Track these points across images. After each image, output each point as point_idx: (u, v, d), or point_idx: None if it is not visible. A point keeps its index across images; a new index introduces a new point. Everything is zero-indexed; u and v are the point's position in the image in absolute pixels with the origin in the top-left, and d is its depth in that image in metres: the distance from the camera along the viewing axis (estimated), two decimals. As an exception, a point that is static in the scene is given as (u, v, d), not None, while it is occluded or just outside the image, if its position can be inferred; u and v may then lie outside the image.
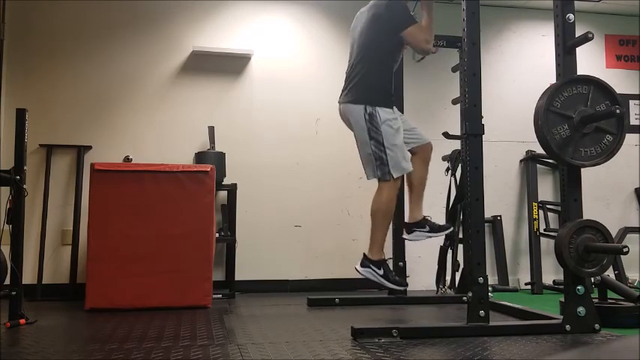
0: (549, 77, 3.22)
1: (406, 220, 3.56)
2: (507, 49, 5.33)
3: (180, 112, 4.67)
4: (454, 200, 4.27)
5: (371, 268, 3.27)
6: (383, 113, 3.23)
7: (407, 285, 3.51)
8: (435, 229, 3.47)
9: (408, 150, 3.41)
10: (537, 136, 2.90)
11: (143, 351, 2.46)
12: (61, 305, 3.95)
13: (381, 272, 3.26)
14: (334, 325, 3.12)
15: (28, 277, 4.17)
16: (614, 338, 2.72)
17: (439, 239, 4.34)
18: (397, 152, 3.24)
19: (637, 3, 5.23)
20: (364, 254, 3.32)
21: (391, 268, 3.44)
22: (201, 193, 3.84)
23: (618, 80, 5.29)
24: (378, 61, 3.31)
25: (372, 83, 3.29)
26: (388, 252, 4.22)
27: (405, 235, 3.53)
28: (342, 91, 3.41)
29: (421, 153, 3.47)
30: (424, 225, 3.45)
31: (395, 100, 3.37)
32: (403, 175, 3.37)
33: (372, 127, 3.23)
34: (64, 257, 4.37)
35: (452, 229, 3.55)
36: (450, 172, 4.35)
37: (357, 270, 3.30)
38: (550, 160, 5.05)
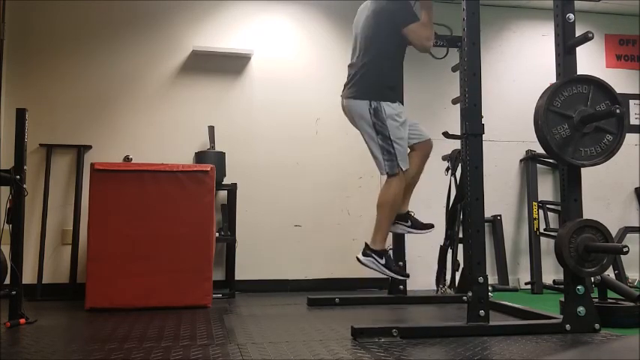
0: (549, 77, 3.21)
1: None
2: (507, 49, 5.33)
3: (181, 111, 4.67)
4: (454, 200, 4.26)
5: (373, 257, 3.27)
6: (388, 108, 3.24)
7: (408, 276, 3.49)
8: (418, 226, 3.49)
9: (409, 146, 3.43)
10: (537, 136, 2.90)
11: (143, 351, 2.46)
12: (61, 305, 3.95)
13: (383, 261, 3.27)
14: (334, 324, 3.11)
15: (28, 276, 4.17)
16: (614, 338, 2.71)
17: (439, 239, 4.35)
18: (404, 145, 3.28)
19: (637, 3, 5.23)
20: (366, 244, 3.32)
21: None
22: (201, 193, 3.84)
23: (618, 80, 5.29)
24: (381, 56, 3.30)
25: (376, 78, 3.29)
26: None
27: None
28: (345, 85, 3.41)
29: (421, 149, 3.49)
30: (407, 219, 3.47)
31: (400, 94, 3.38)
32: None
33: (378, 121, 3.24)
34: (64, 257, 4.37)
35: (433, 228, 3.53)
36: (449, 171, 4.35)
37: (358, 259, 3.30)
38: (550, 160, 5.05)
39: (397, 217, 3.43)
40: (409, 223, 3.48)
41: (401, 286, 4.01)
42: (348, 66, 3.45)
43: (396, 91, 3.34)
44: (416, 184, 3.52)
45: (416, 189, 3.51)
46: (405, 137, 3.29)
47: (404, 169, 3.26)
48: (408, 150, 3.41)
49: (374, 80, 3.29)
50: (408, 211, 3.48)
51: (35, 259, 4.27)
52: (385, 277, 4.14)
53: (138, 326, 3.06)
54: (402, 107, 3.38)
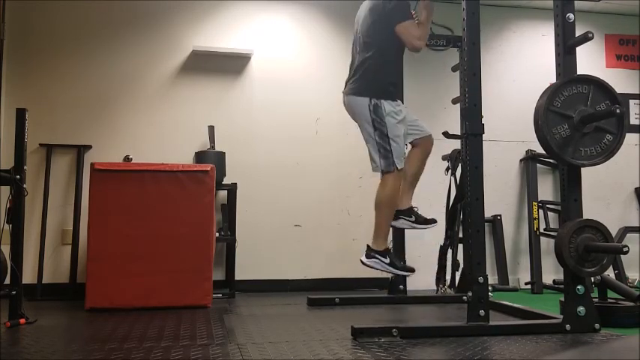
0: (549, 77, 3.21)
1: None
2: (507, 49, 5.33)
3: (181, 111, 4.67)
4: (454, 200, 4.26)
5: (377, 257, 3.28)
6: (387, 105, 3.25)
7: (414, 270, 3.42)
8: (421, 221, 3.50)
9: (410, 142, 3.46)
10: (537, 136, 2.90)
11: (143, 351, 2.46)
12: (61, 305, 3.95)
13: (388, 260, 3.28)
14: (334, 324, 3.11)
15: (28, 276, 4.17)
16: (614, 338, 2.72)
17: (439, 239, 4.35)
18: (400, 143, 3.28)
19: (637, 3, 5.23)
20: (368, 245, 3.32)
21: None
22: (201, 193, 3.84)
23: (618, 80, 5.29)
24: (381, 53, 3.31)
25: (377, 75, 3.30)
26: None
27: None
28: (347, 81, 3.42)
29: (422, 145, 3.51)
30: (410, 214, 3.49)
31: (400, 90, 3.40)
32: None
33: (377, 118, 3.25)
34: (64, 257, 4.37)
35: (436, 223, 3.55)
36: (449, 171, 4.35)
37: (362, 262, 3.30)
38: (550, 160, 5.05)
39: (401, 212, 3.45)
40: (413, 218, 3.49)
41: (401, 286, 4.01)
42: (350, 63, 3.47)
43: (395, 89, 3.36)
44: (418, 180, 3.53)
45: (416, 189, 3.51)
46: (402, 135, 3.29)
47: (399, 167, 3.26)
48: (408, 147, 3.42)
49: (374, 77, 3.30)
50: (412, 206, 3.49)
51: (35, 259, 4.27)
52: (385, 277, 4.16)
53: (138, 326, 3.06)
54: (402, 105, 3.39)
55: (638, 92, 5.48)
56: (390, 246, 3.45)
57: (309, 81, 4.90)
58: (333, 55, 4.88)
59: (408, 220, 3.49)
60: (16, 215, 3.14)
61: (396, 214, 3.46)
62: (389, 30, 3.30)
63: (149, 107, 4.64)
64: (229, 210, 4.48)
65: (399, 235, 4.05)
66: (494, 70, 5.19)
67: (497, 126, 4.93)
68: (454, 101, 4.31)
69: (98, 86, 4.57)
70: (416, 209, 3.51)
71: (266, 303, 4.02)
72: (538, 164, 5.21)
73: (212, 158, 4.34)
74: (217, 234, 4.31)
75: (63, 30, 4.56)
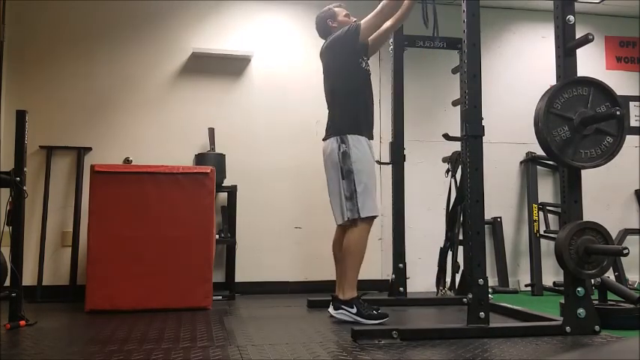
0: (549, 79, 3.22)
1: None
2: (507, 51, 5.34)
3: (181, 113, 4.67)
4: (454, 202, 4.26)
5: (343, 309, 3.21)
6: (354, 148, 3.25)
7: (387, 316, 3.19)
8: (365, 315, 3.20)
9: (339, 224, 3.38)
10: (537, 138, 2.90)
11: (143, 352, 2.46)
12: (61, 307, 3.95)
13: (354, 310, 3.18)
14: (334, 326, 3.11)
15: (28, 278, 4.17)
16: (614, 340, 2.72)
17: (439, 241, 4.35)
18: (368, 183, 3.25)
19: (637, 4, 5.24)
20: (333, 296, 3.29)
21: (365, 304, 3.22)
22: (201, 195, 3.85)
23: (618, 82, 5.29)
24: (342, 91, 3.37)
25: (340, 113, 3.35)
26: (388, 253, 4.24)
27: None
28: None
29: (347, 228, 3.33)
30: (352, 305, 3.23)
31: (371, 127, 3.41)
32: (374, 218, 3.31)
33: (344, 165, 3.25)
34: (64, 259, 4.37)
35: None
36: (449, 173, 4.35)
37: (331, 315, 3.25)
38: (550, 162, 5.05)
39: (341, 302, 3.23)
40: (354, 310, 3.21)
41: (401, 288, 4.00)
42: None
43: (362, 125, 3.33)
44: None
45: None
46: (370, 183, 3.26)
47: (363, 216, 3.21)
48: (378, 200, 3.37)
49: (338, 116, 3.36)
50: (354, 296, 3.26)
51: (35, 261, 4.27)
52: (385, 279, 4.16)
53: (138, 328, 3.06)
54: (370, 142, 3.36)
55: (638, 94, 5.48)
56: (358, 294, 3.25)
57: (309, 83, 4.89)
58: (333, 57, 4.88)
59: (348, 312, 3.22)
60: (16, 217, 3.14)
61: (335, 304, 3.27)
62: (345, 59, 3.37)
63: (149, 109, 4.64)
64: (229, 212, 4.48)
65: (399, 238, 4.05)
66: (494, 72, 5.19)
67: (498, 128, 4.94)
68: (454, 103, 4.31)
69: (98, 88, 4.57)
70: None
71: (266, 305, 4.02)
72: (538, 166, 5.21)
73: (212, 160, 4.34)
74: (217, 236, 4.31)
75: (63, 32, 4.56)
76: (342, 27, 3.46)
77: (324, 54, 3.52)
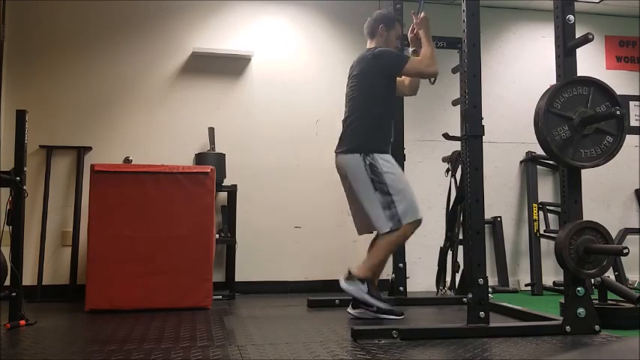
0: (549, 78, 3.22)
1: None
2: (507, 51, 5.34)
3: (181, 113, 4.67)
4: (454, 201, 4.26)
5: (355, 285, 3.23)
6: (381, 160, 3.26)
7: (399, 313, 3.28)
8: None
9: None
10: (537, 138, 2.90)
11: (143, 352, 2.46)
12: (61, 306, 3.94)
13: (366, 289, 3.21)
14: (334, 326, 3.11)
15: (28, 278, 4.17)
16: (614, 339, 2.72)
17: (439, 241, 4.35)
18: (405, 198, 3.24)
19: (637, 4, 5.24)
20: (349, 270, 3.29)
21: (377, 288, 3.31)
22: (201, 194, 3.84)
23: (618, 81, 5.29)
24: (367, 106, 3.34)
25: (364, 132, 3.32)
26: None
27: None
28: (338, 140, 3.45)
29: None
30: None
31: (391, 141, 3.42)
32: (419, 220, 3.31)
33: (375, 177, 3.24)
34: (64, 258, 4.37)
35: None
36: (449, 173, 4.35)
37: (340, 285, 3.27)
38: (550, 162, 5.05)
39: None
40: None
41: (401, 288, 4.01)
42: (342, 121, 3.48)
43: (387, 143, 3.35)
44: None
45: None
46: (406, 188, 3.27)
47: (404, 223, 3.21)
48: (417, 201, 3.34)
49: (363, 133, 3.32)
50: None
51: (35, 261, 4.27)
52: (385, 278, 4.15)
53: (138, 328, 3.06)
54: (392, 158, 3.36)
55: (638, 94, 5.49)
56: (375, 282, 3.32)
57: (310, 82, 4.90)
58: (334, 57, 4.89)
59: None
60: (16, 217, 3.14)
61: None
62: (384, 82, 3.34)
63: (149, 109, 4.64)
64: (229, 211, 4.49)
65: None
66: (494, 72, 5.19)
67: (498, 127, 4.94)
68: (454, 103, 4.31)
69: (98, 88, 4.57)
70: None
71: (266, 304, 4.02)
72: (538, 166, 5.21)
73: (212, 160, 4.34)
74: (217, 235, 4.31)
75: (63, 31, 4.56)
76: (386, 43, 3.46)
77: (367, 60, 3.39)
